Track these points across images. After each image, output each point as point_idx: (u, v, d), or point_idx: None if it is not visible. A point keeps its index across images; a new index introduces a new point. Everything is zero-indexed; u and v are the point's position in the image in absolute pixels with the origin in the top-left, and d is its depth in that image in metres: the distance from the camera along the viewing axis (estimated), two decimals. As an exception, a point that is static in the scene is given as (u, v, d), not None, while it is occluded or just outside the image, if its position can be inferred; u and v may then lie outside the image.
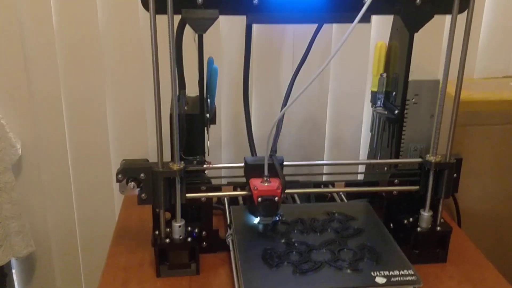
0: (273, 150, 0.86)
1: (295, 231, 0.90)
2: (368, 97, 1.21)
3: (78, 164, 1.22)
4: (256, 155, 1.07)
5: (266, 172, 0.85)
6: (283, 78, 1.20)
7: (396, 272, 0.79)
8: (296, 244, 0.86)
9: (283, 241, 0.87)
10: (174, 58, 0.76)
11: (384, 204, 0.94)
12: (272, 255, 0.83)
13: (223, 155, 1.25)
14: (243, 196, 0.90)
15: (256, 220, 0.92)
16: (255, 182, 0.84)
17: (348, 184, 1.04)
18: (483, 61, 1.26)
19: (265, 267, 0.80)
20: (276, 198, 0.82)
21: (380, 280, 0.78)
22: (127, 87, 1.17)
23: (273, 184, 0.84)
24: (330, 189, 1.03)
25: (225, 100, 1.19)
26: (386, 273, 0.79)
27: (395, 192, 0.92)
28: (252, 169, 0.86)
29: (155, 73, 0.76)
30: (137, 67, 1.15)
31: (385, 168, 0.96)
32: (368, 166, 1.08)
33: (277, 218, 0.93)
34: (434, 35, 1.20)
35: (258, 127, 1.21)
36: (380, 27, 1.17)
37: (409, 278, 0.78)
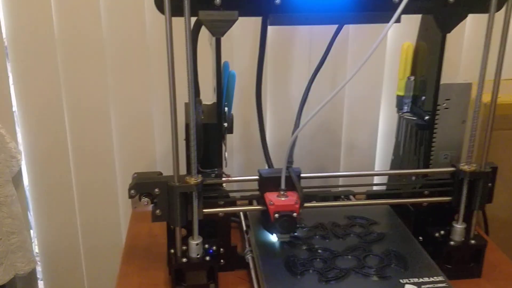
0: (289, 161, 0.80)
1: (317, 237, 0.87)
2: (385, 101, 1.16)
3: (81, 174, 1.16)
4: (272, 165, 1.01)
5: (283, 186, 0.79)
6: (298, 81, 1.14)
7: (426, 279, 0.76)
8: (319, 251, 0.83)
9: (304, 247, 0.84)
10: (191, 63, 0.70)
11: (412, 216, 0.89)
12: (295, 262, 0.80)
13: (234, 165, 1.19)
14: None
15: (273, 238, 0.86)
16: (271, 197, 0.79)
17: (370, 195, 0.98)
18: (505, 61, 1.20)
19: (289, 275, 0.77)
20: (295, 214, 0.77)
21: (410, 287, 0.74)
22: (131, 94, 1.11)
23: (291, 198, 0.78)
24: (353, 202, 0.97)
25: (236, 106, 1.12)
26: (416, 280, 0.75)
27: (425, 203, 0.86)
28: (267, 182, 0.81)
29: (171, 79, 0.70)
30: (142, 73, 1.09)
31: (413, 178, 0.90)
32: (392, 175, 1.02)
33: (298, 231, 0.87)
34: (453, 35, 1.14)
35: (272, 134, 1.15)
36: (396, 27, 1.11)
37: (440, 285, 0.74)
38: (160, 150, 1.15)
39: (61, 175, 1.15)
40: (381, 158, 1.21)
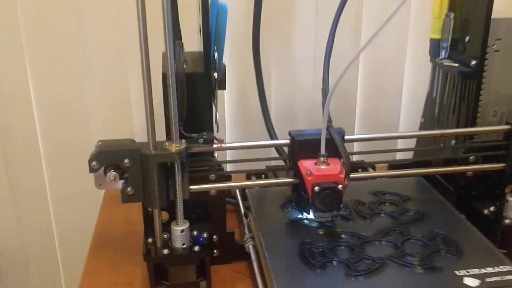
0: (328, 121, 0.64)
1: (337, 218, 0.72)
2: (410, 58, 1.00)
3: (50, 154, 0.99)
4: (274, 131, 0.84)
5: (323, 151, 0.64)
6: (302, 31, 0.97)
7: (490, 269, 0.60)
8: (343, 236, 0.68)
9: (322, 232, 0.69)
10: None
11: (454, 189, 0.74)
12: (313, 251, 0.65)
13: (228, 138, 1.03)
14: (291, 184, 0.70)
15: (308, 216, 0.71)
16: (308, 165, 0.64)
17: (394, 165, 0.81)
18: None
19: (306, 269, 0.62)
20: (340, 186, 0.63)
21: (471, 282, 0.58)
22: (101, 43, 0.92)
23: (334, 167, 0.64)
24: (394, 172, 0.79)
25: (229, 61, 0.96)
26: (476, 271, 0.60)
27: (470, 172, 0.70)
28: (300, 147, 0.66)
29: (141, 16, 0.52)
30: (114, 15, 0.91)
31: (452, 142, 0.73)
32: (420, 142, 0.84)
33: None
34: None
35: (273, 95, 0.99)
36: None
37: (510, 277, 0.59)
38: (138, 117, 0.98)
39: (28, 156, 0.98)
40: (408, 126, 1.05)
